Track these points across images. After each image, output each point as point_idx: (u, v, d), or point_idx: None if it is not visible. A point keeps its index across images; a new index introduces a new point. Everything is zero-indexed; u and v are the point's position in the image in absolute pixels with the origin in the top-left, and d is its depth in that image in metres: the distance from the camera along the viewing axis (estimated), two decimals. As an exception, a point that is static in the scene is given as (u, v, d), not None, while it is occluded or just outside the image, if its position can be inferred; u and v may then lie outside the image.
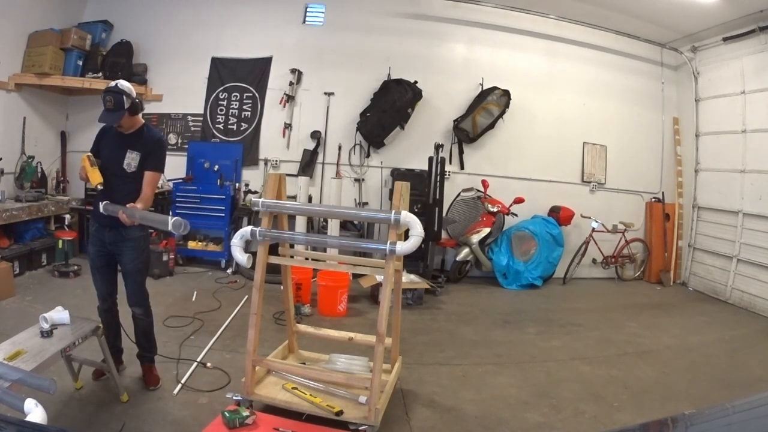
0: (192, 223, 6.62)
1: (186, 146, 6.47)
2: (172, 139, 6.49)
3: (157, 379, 3.12)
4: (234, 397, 2.74)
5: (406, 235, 2.72)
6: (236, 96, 6.48)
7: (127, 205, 2.73)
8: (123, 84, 2.85)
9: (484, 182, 6.37)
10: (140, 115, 2.97)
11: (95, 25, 6.23)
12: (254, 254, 2.83)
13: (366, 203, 6.50)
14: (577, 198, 6.84)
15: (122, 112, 2.78)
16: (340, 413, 2.62)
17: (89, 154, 2.89)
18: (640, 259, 7.10)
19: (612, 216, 6.82)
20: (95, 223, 2.98)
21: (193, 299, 4.86)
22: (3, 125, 5.50)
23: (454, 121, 6.49)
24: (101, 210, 2.82)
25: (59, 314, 2.68)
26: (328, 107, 6.46)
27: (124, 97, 2.78)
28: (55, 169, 6.24)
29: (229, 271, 5.88)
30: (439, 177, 5.92)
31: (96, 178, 2.84)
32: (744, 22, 5.77)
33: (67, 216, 5.55)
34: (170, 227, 2.49)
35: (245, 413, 2.51)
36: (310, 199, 6.21)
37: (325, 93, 6.45)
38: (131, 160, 2.89)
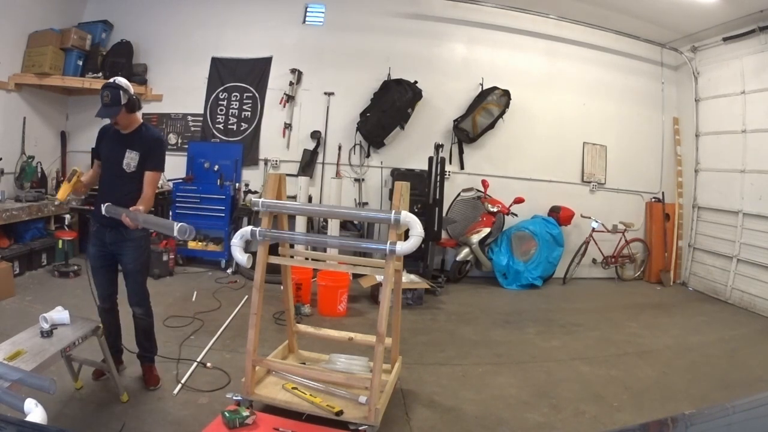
0: (192, 223, 6.62)
1: (186, 146, 6.47)
2: (172, 139, 6.49)
3: (157, 379, 3.12)
4: (234, 397, 2.74)
5: (406, 235, 2.72)
6: (236, 96, 6.48)
7: (130, 208, 2.72)
8: (120, 80, 2.86)
9: (484, 182, 6.37)
10: (139, 114, 2.97)
11: (95, 25, 6.23)
12: (254, 254, 2.83)
13: (366, 203, 6.50)
14: (577, 198, 6.84)
15: (119, 107, 2.78)
16: (340, 413, 2.62)
17: (75, 168, 2.90)
18: (640, 259, 7.10)
19: (612, 216, 6.82)
20: (96, 223, 2.97)
21: (193, 299, 4.86)
22: (3, 125, 5.50)
23: (454, 121, 6.49)
24: (104, 212, 2.81)
25: (59, 314, 2.68)
26: (328, 107, 6.46)
27: (121, 93, 2.78)
28: (55, 169, 6.23)
29: (229, 271, 5.88)
30: (439, 177, 5.92)
31: (61, 194, 2.86)
32: (744, 22, 5.77)
33: (67, 216, 5.55)
34: (176, 233, 2.44)
35: (245, 413, 2.51)
36: (310, 199, 6.21)
37: (325, 93, 6.45)
38: (130, 159, 2.89)
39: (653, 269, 7.01)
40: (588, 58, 6.87)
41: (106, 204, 2.82)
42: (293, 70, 6.40)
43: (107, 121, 2.93)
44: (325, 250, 5.36)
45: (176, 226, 2.45)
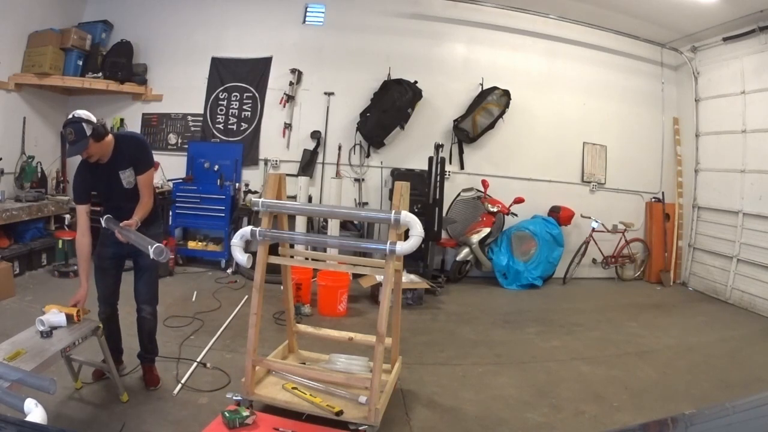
0: (192, 223, 6.63)
1: (186, 146, 6.47)
2: (172, 139, 6.49)
3: (158, 379, 3.12)
4: (234, 397, 2.74)
5: (406, 235, 2.72)
6: (236, 96, 6.48)
7: (121, 224, 2.74)
8: (80, 113, 2.73)
9: (484, 182, 6.37)
10: (108, 137, 2.82)
11: (95, 25, 6.23)
12: (254, 254, 2.83)
13: (366, 203, 6.50)
14: (577, 198, 6.84)
15: (86, 140, 2.67)
16: (340, 413, 2.62)
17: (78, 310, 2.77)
18: (640, 259, 7.09)
19: (612, 216, 6.81)
20: None
21: (193, 299, 4.86)
22: (3, 125, 5.50)
23: (454, 121, 6.49)
24: (103, 225, 2.88)
25: (56, 317, 2.64)
26: (328, 107, 6.46)
27: (84, 125, 2.66)
28: (55, 169, 6.23)
29: (229, 271, 5.88)
30: (439, 177, 5.92)
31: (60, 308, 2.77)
32: (744, 22, 5.77)
33: (67, 216, 5.55)
34: (151, 254, 2.51)
35: (245, 413, 2.51)
36: (310, 199, 6.22)
37: (325, 93, 6.45)
38: (126, 177, 2.89)
39: (653, 269, 7.01)
40: (588, 58, 6.87)
41: (106, 216, 2.88)
42: (293, 70, 6.40)
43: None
44: (325, 250, 5.36)
45: (151, 247, 2.51)
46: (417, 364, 3.71)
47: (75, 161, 2.98)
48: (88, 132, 2.68)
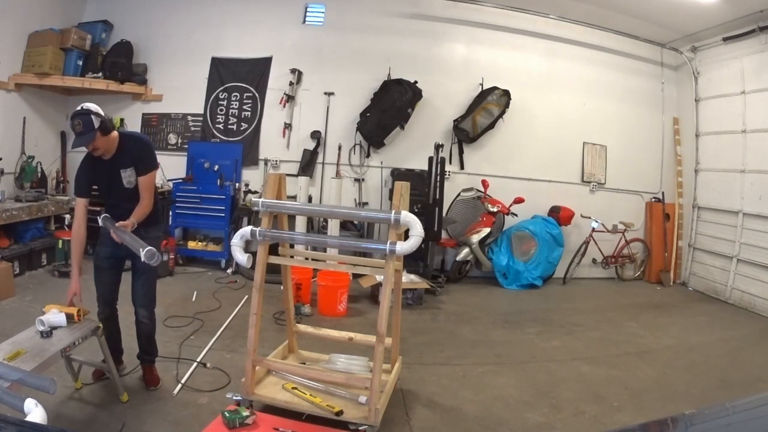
0: (192, 223, 6.64)
1: (186, 146, 6.47)
2: (172, 139, 6.49)
3: (158, 379, 3.12)
4: (234, 397, 2.74)
5: (406, 235, 2.72)
6: (236, 96, 6.48)
7: (117, 224, 2.74)
8: (89, 105, 2.74)
9: (484, 182, 6.37)
10: (114, 133, 2.84)
11: (95, 25, 6.23)
12: (254, 254, 2.83)
13: (366, 203, 6.50)
14: (577, 198, 6.84)
15: (93, 132, 2.68)
16: (340, 413, 2.62)
17: (79, 308, 2.77)
18: (640, 259, 7.09)
19: (612, 216, 6.81)
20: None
21: (193, 299, 4.86)
22: (3, 125, 5.50)
23: (454, 121, 6.49)
24: (101, 224, 2.88)
25: (56, 316, 2.64)
26: (328, 107, 6.46)
27: (92, 117, 2.67)
28: (55, 169, 6.24)
29: (229, 271, 5.88)
30: (439, 177, 5.92)
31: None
32: (744, 22, 5.77)
33: (67, 216, 5.55)
34: (143, 257, 2.50)
35: (245, 413, 2.51)
36: (310, 199, 6.22)
37: (325, 93, 6.45)
38: (128, 177, 2.88)
39: (653, 269, 7.01)
40: (588, 58, 6.87)
41: (103, 215, 2.88)
42: (293, 70, 6.40)
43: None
44: (325, 250, 5.36)
45: (143, 249, 2.50)
46: (417, 364, 3.71)
47: (76, 161, 2.98)
48: (97, 124, 2.69)
